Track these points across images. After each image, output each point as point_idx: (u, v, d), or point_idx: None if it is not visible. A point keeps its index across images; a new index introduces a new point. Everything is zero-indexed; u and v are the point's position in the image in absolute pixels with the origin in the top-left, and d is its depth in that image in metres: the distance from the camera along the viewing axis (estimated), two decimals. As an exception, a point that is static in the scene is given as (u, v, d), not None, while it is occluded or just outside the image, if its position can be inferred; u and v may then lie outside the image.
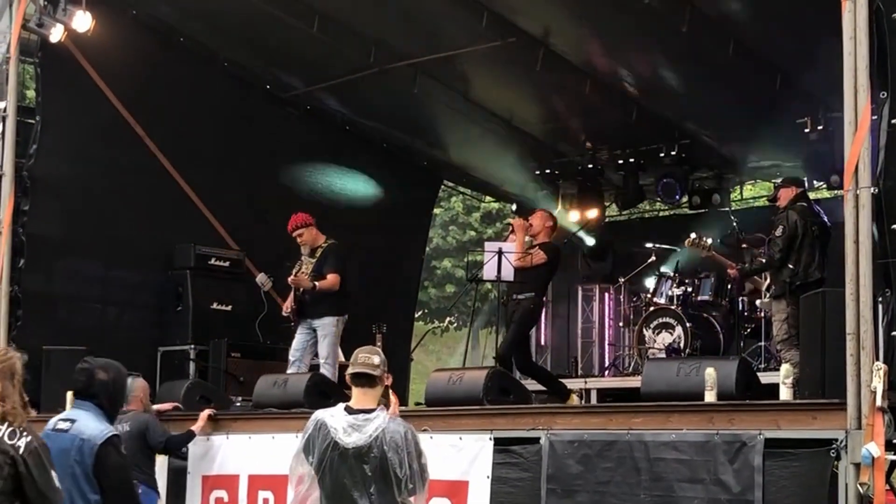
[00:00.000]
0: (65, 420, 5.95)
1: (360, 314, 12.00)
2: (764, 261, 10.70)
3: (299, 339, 11.32)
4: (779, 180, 12.09)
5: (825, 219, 10.50)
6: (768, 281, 11.09)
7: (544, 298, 11.82)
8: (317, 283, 11.14)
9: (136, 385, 9.80)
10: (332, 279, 11.20)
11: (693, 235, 12.01)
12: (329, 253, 11.38)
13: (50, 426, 5.96)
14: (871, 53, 7.21)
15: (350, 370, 6.08)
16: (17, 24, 11.77)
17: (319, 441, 5.96)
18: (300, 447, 6.09)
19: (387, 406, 6.12)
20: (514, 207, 17.54)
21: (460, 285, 30.40)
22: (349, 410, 5.94)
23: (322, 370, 11.13)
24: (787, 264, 10.16)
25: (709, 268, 12.81)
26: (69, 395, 10.37)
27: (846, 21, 7.28)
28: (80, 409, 5.94)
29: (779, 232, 10.21)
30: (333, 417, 5.96)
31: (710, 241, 11.99)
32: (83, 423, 5.77)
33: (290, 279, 11.24)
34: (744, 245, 12.27)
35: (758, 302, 12.08)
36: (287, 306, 11.42)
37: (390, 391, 6.23)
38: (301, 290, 11.24)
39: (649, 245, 14.28)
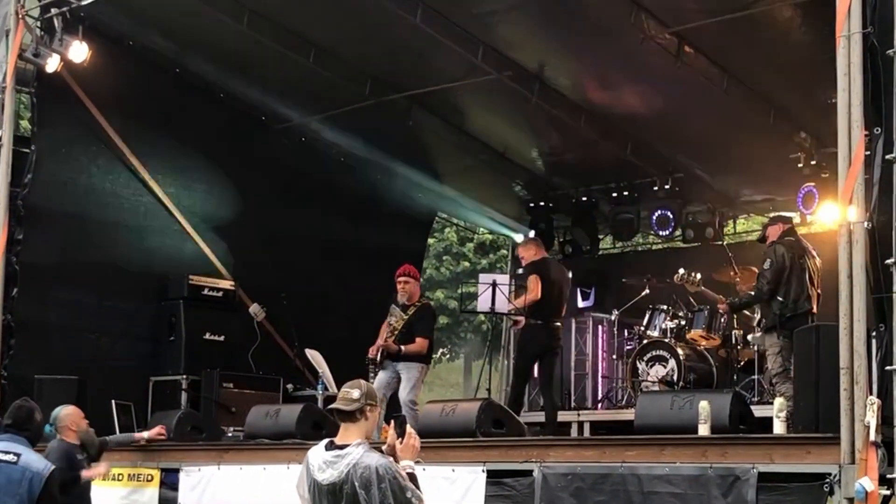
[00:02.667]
0: (7, 452, 6.80)
1: (352, 345, 11.98)
2: (753, 294, 10.76)
3: (382, 376, 11.22)
4: (769, 216, 12.19)
5: (814, 252, 10.62)
6: (759, 315, 11.13)
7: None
8: (403, 347, 11.16)
9: (61, 416, 9.43)
10: (420, 343, 11.25)
11: (682, 271, 12.07)
12: (424, 315, 11.42)
13: None
14: (866, 89, 7.26)
15: (331, 406, 6.05)
16: (14, 54, 11.83)
17: (307, 477, 5.93)
18: (297, 483, 6.06)
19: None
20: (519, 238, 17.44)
21: (454, 317, 30.37)
22: (329, 446, 5.88)
23: (405, 413, 11.10)
24: (777, 297, 10.28)
25: (701, 301, 12.83)
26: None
27: (840, 57, 7.33)
28: (16, 443, 6.85)
29: (767, 265, 10.35)
30: (314, 453, 5.93)
31: (699, 276, 12.03)
32: (27, 457, 6.66)
33: (380, 343, 11.19)
34: (737, 279, 12.31)
35: (749, 337, 12.09)
36: (374, 350, 11.30)
37: (386, 424, 6.11)
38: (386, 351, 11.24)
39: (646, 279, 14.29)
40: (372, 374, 11.27)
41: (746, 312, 11.92)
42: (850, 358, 6.97)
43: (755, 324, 11.31)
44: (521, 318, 11.56)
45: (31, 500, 6.67)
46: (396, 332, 11.22)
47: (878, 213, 7.18)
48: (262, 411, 10.72)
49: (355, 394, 5.87)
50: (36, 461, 6.73)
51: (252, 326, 13.41)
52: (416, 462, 5.93)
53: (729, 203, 15.69)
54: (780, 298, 10.25)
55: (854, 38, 7.29)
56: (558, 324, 11.78)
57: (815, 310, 10.48)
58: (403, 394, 11.18)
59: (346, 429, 5.87)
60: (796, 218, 14.98)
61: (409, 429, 5.94)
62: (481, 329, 28.97)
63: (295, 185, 14.62)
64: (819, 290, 10.58)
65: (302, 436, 9.90)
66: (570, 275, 16.69)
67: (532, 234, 13.18)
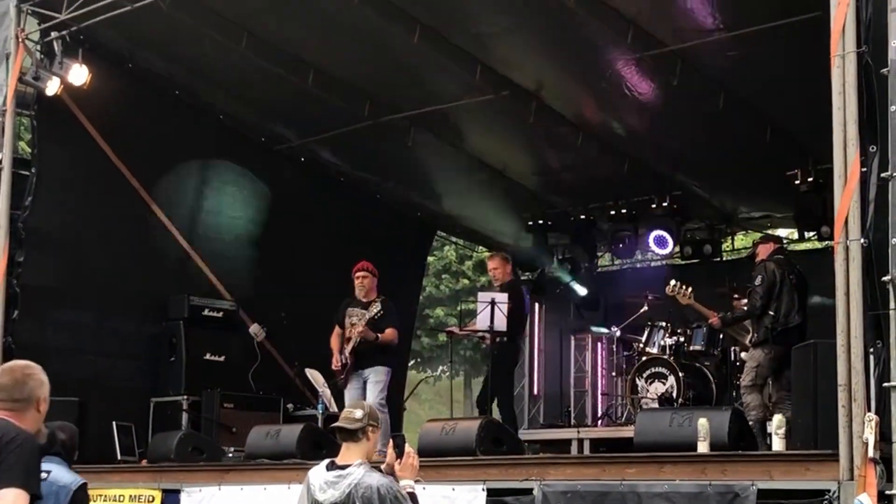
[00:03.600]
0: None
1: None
2: (746, 310, 10.91)
3: (352, 393, 11.35)
4: (760, 236, 12.33)
5: (801, 271, 10.84)
6: (751, 333, 11.21)
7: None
8: (379, 335, 11.31)
9: None
10: (391, 333, 11.45)
11: (673, 282, 12.11)
12: (388, 309, 11.56)
13: None
14: (861, 107, 7.31)
15: (333, 425, 6.09)
16: (14, 77, 11.90)
17: (308, 497, 5.95)
18: (297, 503, 6.08)
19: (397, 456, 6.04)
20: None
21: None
22: (330, 466, 5.91)
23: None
24: (768, 311, 10.49)
25: (700, 317, 12.85)
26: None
27: (835, 76, 7.39)
28: (49, 462, 6.66)
29: (758, 282, 10.54)
30: (314, 473, 5.95)
31: (690, 289, 12.08)
32: (57, 473, 6.49)
33: (357, 332, 11.29)
34: (735, 295, 12.34)
35: (743, 354, 12.12)
36: (338, 360, 11.44)
37: (379, 444, 6.13)
38: (360, 341, 11.30)
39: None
40: (342, 380, 11.33)
41: (739, 330, 11.95)
42: (848, 375, 7.01)
43: (747, 341, 11.39)
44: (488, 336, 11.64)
45: None
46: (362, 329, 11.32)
47: (874, 230, 7.22)
48: (262, 431, 10.74)
49: (358, 413, 5.92)
50: (64, 476, 6.65)
51: (252, 346, 13.44)
52: (416, 481, 5.97)
53: (727, 220, 15.74)
54: (772, 313, 10.46)
55: (848, 58, 7.35)
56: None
57: (806, 322, 10.67)
58: (371, 397, 11.22)
59: (347, 448, 5.91)
60: (794, 234, 15.08)
61: (407, 448, 5.99)
62: (480, 346, 29.02)
63: (294, 206, 14.67)
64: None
65: (302, 456, 9.92)
66: (585, 291, 16.87)
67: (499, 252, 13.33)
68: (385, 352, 11.49)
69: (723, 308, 11.78)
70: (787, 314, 10.44)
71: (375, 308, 11.44)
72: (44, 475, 6.90)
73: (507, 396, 12.07)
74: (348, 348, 11.34)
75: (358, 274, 11.63)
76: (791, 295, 10.49)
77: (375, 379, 11.34)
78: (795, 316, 10.47)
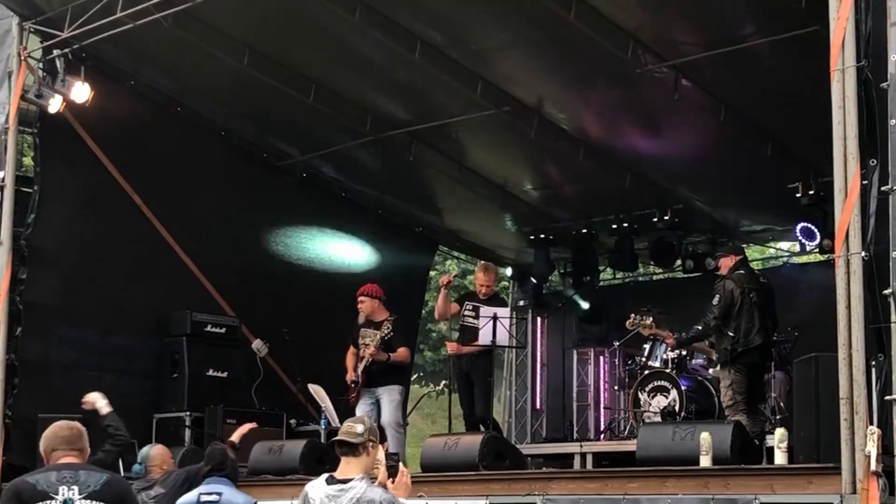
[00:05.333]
0: (210, 493, 7.52)
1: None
2: (700, 328, 10.81)
3: (363, 408, 11.39)
4: (721, 248, 12.27)
5: (767, 283, 10.80)
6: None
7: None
8: (391, 354, 11.39)
9: (152, 455, 9.54)
10: (403, 352, 11.57)
11: (633, 316, 12.09)
12: (398, 328, 11.63)
13: (192, 498, 7.56)
14: (861, 122, 7.34)
15: (334, 438, 6.11)
16: (17, 95, 11.95)
17: None
18: None
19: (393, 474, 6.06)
20: (508, 272, 17.68)
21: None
22: (330, 480, 5.92)
23: (389, 436, 11.22)
24: (727, 332, 10.38)
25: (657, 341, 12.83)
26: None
27: (835, 91, 7.42)
28: (218, 483, 7.48)
29: (715, 301, 10.43)
30: (313, 488, 5.96)
31: (650, 319, 12.05)
32: (228, 495, 7.24)
33: (368, 353, 11.36)
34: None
35: (710, 371, 12.13)
36: (352, 375, 11.51)
37: (381, 463, 6.16)
38: (372, 361, 11.34)
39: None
40: (352, 397, 11.37)
41: (706, 346, 11.93)
42: (850, 388, 7.03)
43: (714, 357, 11.39)
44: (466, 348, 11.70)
45: None
46: (377, 346, 11.38)
47: (875, 243, 7.25)
48: (265, 447, 10.75)
49: (359, 428, 5.94)
50: (236, 497, 7.26)
51: (255, 362, 13.45)
52: (419, 496, 5.99)
53: (728, 233, 15.73)
54: (731, 333, 10.34)
55: (848, 72, 7.39)
56: None
57: (769, 341, 10.66)
58: (387, 417, 11.28)
59: (347, 463, 5.93)
60: (796, 247, 15.09)
61: (401, 467, 6.02)
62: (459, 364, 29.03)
63: (296, 221, 14.68)
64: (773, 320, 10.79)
65: (306, 471, 9.92)
66: (587, 305, 16.87)
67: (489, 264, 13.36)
68: (397, 370, 11.58)
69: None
70: (747, 334, 10.32)
71: (386, 328, 11.50)
72: (215, 497, 7.40)
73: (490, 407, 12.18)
74: (360, 367, 11.39)
75: (358, 298, 11.73)
76: (751, 314, 10.36)
77: (390, 398, 11.40)
78: (756, 336, 10.34)
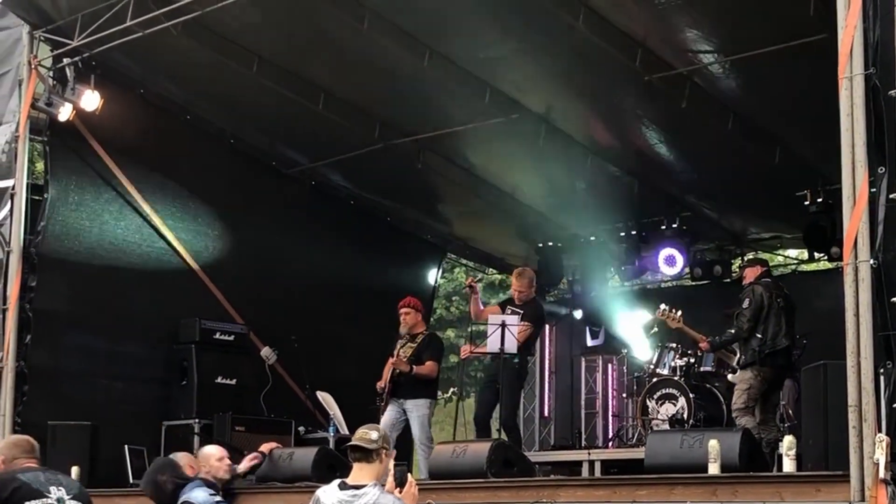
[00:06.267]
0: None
1: (363, 387, 12.03)
2: (733, 332, 10.97)
3: (389, 415, 11.36)
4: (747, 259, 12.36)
5: (789, 294, 10.97)
6: (738, 355, 11.26)
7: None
8: (415, 367, 11.36)
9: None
10: (430, 366, 11.46)
11: (663, 306, 12.16)
12: (431, 341, 11.66)
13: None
14: (869, 129, 7.34)
15: (348, 444, 6.14)
16: (27, 104, 12.01)
17: None
18: None
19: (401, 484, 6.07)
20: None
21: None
22: (342, 486, 5.95)
23: (419, 451, 11.30)
24: (756, 334, 10.63)
25: (682, 339, 12.84)
26: (74, 469, 10.45)
27: (843, 98, 7.42)
28: None
29: (746, 304, 10.69)
30: (325, 493, 5.98)
31: (679, 313, 12.10)
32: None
33: (391, 360, 11.41)
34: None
35: (729, 377, 12.12)
36: (382, 384, 11.51)
37: (390, 472, 6.18)
38: (398, 371, 11.38)
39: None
40: (381, 405, 11.38)
41: (727, 352, 11.97)
42: (858, 395, 7.02)
43: (735, 363, 11.45)
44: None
45: None
46: (408, 358, 11.40)
47: (884, 251, 7.25)
48: (275, 454, 10.74)
49: (374, 435, 5.98)
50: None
51: (263, 369, 13.46)
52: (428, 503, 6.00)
53: (737, 241, 15.76)
54: (759, 336, 10.60)
55: (856, 80, 7.38)
56: None
57: (793, 346, 10.90)
58: (417, 433, 11.31)
59: (359, 469, 5.95)
60: (804, 255, 15.09)
61: (409, 477, 6.04)
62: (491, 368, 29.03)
63: (305, 229, 14.71)
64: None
65: (318, 479, 9.90)
66: (580, 314, 16.89)
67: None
68: (424, 384, 11.49)
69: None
70: (775, 337, 10.59)
71: (419, 341, 11.54)
72: None
73: (515, 416, 12.14)
74: (388, 376, 11.42)
75: (402, 310, 11.71)
76: (778, 318, 10.64)
77: (418, 413, 11.36)
78: (783, 339, 10.62)
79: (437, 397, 11.75)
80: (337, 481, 6.00)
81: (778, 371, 10.83)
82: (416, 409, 11.36)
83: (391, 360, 11.42)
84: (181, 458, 9.41)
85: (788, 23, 10.19)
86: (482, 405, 11.87)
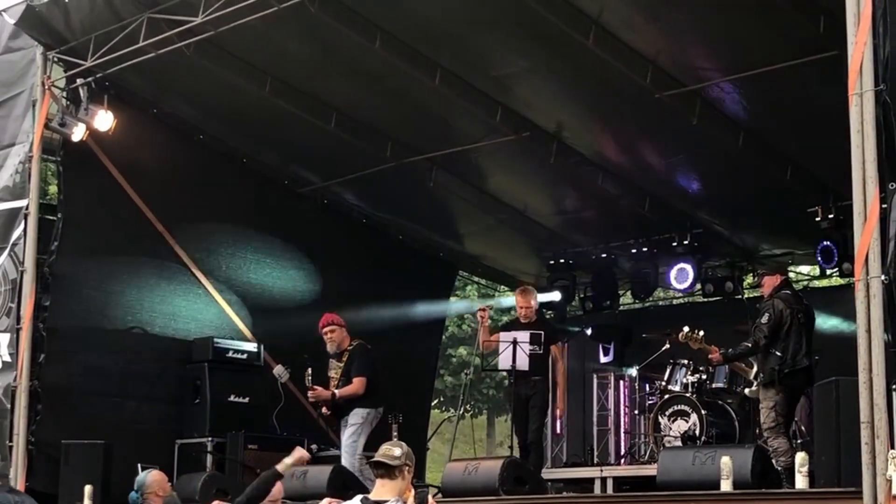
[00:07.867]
0: None
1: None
2: (749, 345, 10.64)
3: (344, 439, 11.43)
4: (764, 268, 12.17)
5: (809, 305, 10.59)
6: (755, 368, 11.09)
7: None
8: (337, 391, 11.36)
9: (147, 482, 9.09)
10: (356, 384, 11.38)
11: (686, 329, 11.98)
12: (356, 356, 11.58)
13: None
14: (879, 145, 7.36)
15: (372, 459, 6.18)
16: (40, 124, 12.07)
17: None
18: None
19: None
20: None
21: (476, 373, 30.32)
22: (364, 501, 5.98)
23: (343, 460, 11.20)
24: (775, 352, 10.11)
25: (703, 357, 12.80)
26: (88, 488, 10.47)
27: (853, 114, 7.44)
28: None
29: (764, 319, 10.17)
30: (348, 509, 6.02)
31: (702, 333, 11.96)
32: None
33: (309, 394, 11.42)
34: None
35: (747, 391, 12.07)
36: (325, 409, 11.57)
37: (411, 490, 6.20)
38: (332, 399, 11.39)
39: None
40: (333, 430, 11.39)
41: (742, 365, 11.87)
42: (871, 412, 7.02)
43: (752, 377, 11.32)
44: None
45: None
46: (337, 383, 11.40)
47: (895, 267, 7.26)
48: (288, 472, 10.74)
49: (397, 451, 6.03)
50: None
51: (276, 388, 13.45)
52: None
53: (748, 257, 15.73)
54: (779, 353, 10.07)
55: (867, 96, 7.41)
56: None
57: (813, 364, 10.36)
58: (343, 438, 11.30)
59: (382, 485, 5.99)
60: (816, 271, 15.07)
61: (430, 499, 6.06)
62: (503, 385, 28.96)
63: (317, 247, 14.75)
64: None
65: (333, 496, 9.90)
66: (591, 330, 16.88)
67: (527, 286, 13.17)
68: (358, 399, 11.39)
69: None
70: (795, 355, 10.05)
71: (345, 359, 11.53)
72: None
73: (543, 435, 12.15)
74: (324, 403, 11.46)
75: (325, 329, 11.71)
76: (799, 335, 10.12)
77: (352, 421, 11.31)
78: (803, 358, 10.06)
79: (377, 406, 11.58)
80: (359, 497, 6.04)
81: (795, 390, 10.31)
82: (352, 417, 11.33)
83: (310, 394, 11.39)
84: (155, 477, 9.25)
85: (798, 40, 10.22)
86: (523, 432, 11.71)
